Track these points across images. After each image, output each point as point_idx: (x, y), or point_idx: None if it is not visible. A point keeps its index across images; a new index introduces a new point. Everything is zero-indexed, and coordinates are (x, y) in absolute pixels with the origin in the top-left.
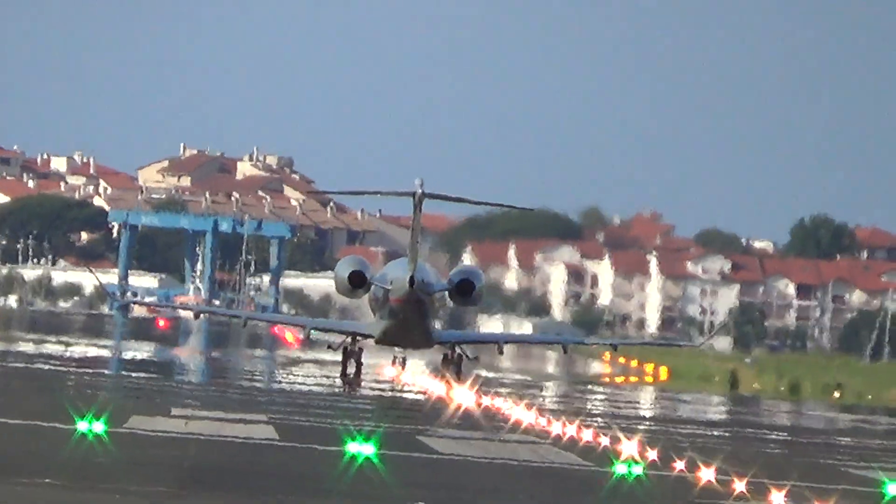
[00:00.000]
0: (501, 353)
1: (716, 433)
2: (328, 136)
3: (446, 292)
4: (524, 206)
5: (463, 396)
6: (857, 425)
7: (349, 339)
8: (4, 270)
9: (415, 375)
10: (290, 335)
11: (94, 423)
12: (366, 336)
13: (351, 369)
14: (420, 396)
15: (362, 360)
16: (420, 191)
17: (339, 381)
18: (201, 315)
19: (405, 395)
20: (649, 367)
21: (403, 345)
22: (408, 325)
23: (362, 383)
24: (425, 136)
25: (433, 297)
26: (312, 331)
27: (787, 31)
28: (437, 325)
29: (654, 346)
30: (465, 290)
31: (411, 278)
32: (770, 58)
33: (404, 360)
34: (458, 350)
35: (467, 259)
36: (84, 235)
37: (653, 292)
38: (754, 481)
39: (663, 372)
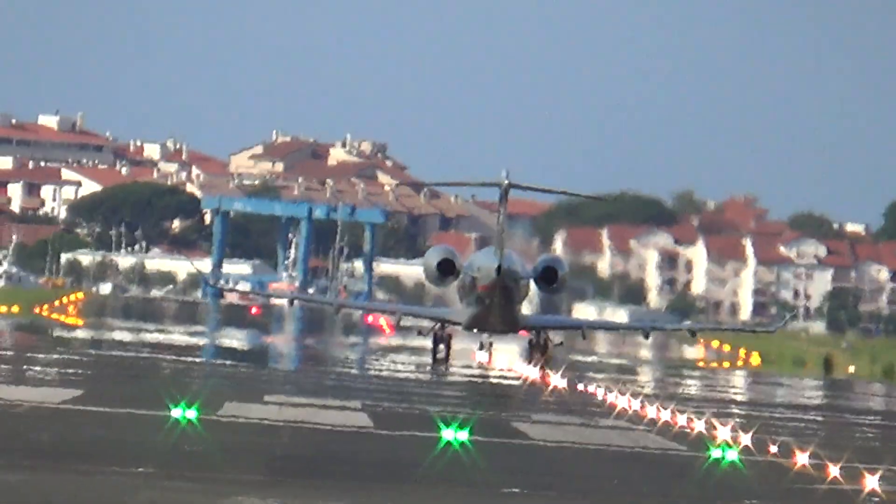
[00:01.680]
0: (585, 338)
1: (809, 417)
2: (421, 121)
3: (532, 279)
4: (607, 196)
5: (556, 381)
6: None
7: (438, 326)
8: (98, 258)
9: (509, 361)
10: (384, 322)
11: (187, 411)
12: (454, 323)
13: (441, 355)
14: (514, 382)
15: (451, 345)
16: (506, 181)
17: (429, 367)
18: (295, 302)
19: (499, 380)
20: (742, 352)
21: (491, 330)
22: (495, 312)
23: (451, 367)
24: (517, 120)
25: (519, 284)
26: (404, 317)
27: (878, 11)
28: (526, 310)
29: (734, 332)
30: (550, 278)
31: (499, 266)
32: (863, 40)
33: (491, 344)
34: (542, 335)
35: (559, 243)
36: (177, 222)
37: (747, 277)
38: (848, 466)
39: (755, 357)
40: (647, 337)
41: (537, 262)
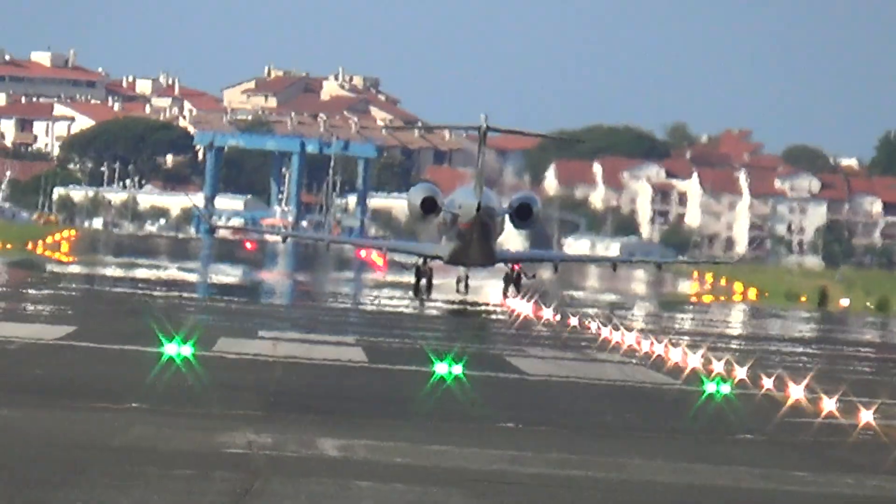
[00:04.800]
0: (556, 271)
1: (804, 350)
2: (414, 56)
3: (506, 215)
4: (581, 137)
5: (548, 315)
6: None
7: (421, 260)
8: (91, 193)
9: (498, 295)
10: (377, 257)
11: (181, 347)
12: (436, 257)
13: (423, 288)
14: (504, 316)
15: (433, 278)
16: (484, 125)
17: (411, 300)
18: (289, 238)
19: (490, 314)
20: (738, 286)
21: (469, 264)
22: (474, 246)
23: (434, 300)
24: (510, 53)
25: (496, 221)
26: (390, 252)
27: None
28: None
29: (699, 264)
30: (524, 214)
31: (478, 204)
32: None
33: (467, 277)
34: (517, 269)
35: (551, 177)
36: (169, 158)
37: (741, 211)
38: (843, 399)
39: (750, 291)
40: (615, 269)
41: (512, 198)
